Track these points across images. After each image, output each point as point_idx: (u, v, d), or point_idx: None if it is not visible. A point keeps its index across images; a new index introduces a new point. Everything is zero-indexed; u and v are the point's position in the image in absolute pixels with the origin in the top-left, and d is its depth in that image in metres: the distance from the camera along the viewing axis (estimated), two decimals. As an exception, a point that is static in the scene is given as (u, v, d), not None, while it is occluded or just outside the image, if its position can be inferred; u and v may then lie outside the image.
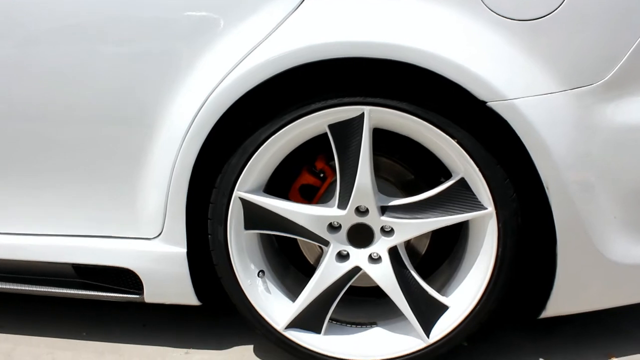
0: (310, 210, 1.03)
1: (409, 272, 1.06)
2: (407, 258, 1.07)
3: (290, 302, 1.12)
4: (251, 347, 1.22)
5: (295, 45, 0.93)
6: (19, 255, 1.19)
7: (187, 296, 1.13)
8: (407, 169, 1.16)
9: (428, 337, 1.05)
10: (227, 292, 1.09)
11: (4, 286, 1.23)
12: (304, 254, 1.21)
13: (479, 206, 0.99)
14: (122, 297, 1.17)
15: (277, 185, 1.12)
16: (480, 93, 0.91)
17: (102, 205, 1.13)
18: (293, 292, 1.15)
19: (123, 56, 1.04)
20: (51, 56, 1.06)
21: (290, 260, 1.26)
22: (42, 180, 1.13)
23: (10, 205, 1.17)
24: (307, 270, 1.22)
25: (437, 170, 1.12)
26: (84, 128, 1.08)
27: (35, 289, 1.21)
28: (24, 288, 1.21)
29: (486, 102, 0.91)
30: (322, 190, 1.11)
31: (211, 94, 0.98)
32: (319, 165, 1.10)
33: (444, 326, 1.05)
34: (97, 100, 1.06)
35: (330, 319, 1.10)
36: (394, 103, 0.95)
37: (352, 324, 1.14)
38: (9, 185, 1.15)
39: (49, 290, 1.21)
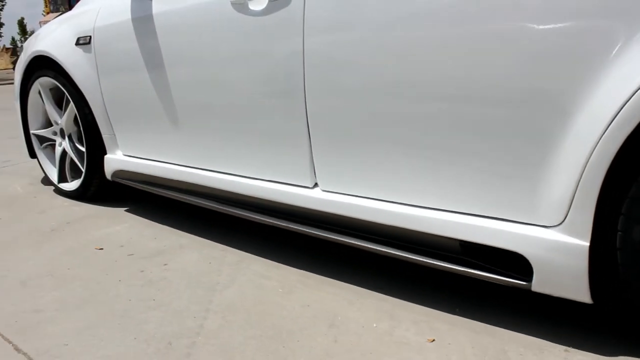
0: None
1: None
2: None
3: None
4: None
5: None
6: (411, 225, 1.60)
7: (579, 292, 1.33)
8: None
9: None
10: (632, 296, 1.28)
11: (390, 251, 1.66)
12: None
13: None
14: (507, 281, 1.45)
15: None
16: None
17: (501, 187, 1.40)
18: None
19: (545, 34, 1.21)
20: (475, 35, 1.31)
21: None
22: (445, 158, 1.49)
23: (409, 179, 1.59)
24: None
25: None
26: (498, 109, 1.30)
27: (420, 258, 1.61)
28: (411, 257, 1.62)
29: None
30: None
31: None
32: None
33: None
34: (513, 80, 1.26)
35: None
36: None
37: None
38: (409, 158, 1.55)
39: (432, 262, 1.59)
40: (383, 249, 1.56)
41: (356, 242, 1.61)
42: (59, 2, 32.04)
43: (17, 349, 1.50)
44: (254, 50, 1.71)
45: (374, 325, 1.51)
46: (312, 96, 1.60)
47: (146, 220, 2.49)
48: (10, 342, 1.53)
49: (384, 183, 1.53)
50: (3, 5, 55.44)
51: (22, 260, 2.12)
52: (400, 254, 1.54)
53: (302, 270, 1.86)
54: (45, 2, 33.36)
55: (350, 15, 1.47)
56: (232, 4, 1.74)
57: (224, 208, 1.99)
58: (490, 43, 1.27)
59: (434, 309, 1.58)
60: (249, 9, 1.71)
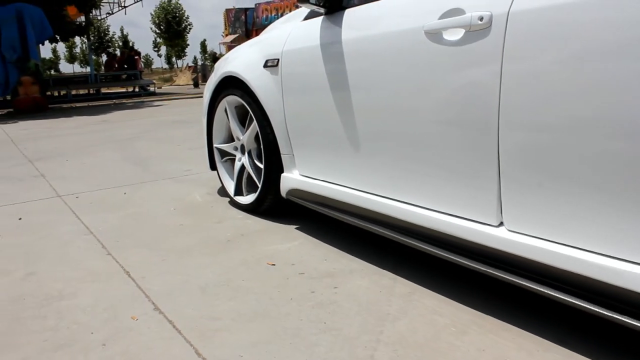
0: None
1: None
2: None
3: None
4: None
5: None
6: (608, 279, 1.45)
7: None
8: None
9: None
10: None
11: (580, 303, 1.51)
12: None
13: None
14: None
15: None
16: None
17: None
18: None
19: None
20: None
21: None
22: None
23: (614, 228, 1.44)
24: None
25: None
26: None
27: (616, 316, 1.45)
28: (604, 312, 1.47)
29: None
30: None
31: None
32: None
33: None
34: None
35: None
36: None
37: None
38: (614, 205, 1.42)
39: (631, 321, 1.43)
40: (571, 299, 1.44)
41: (540, 289, 1.50)
42: (237, 25, 34.63)
43: (198, 353, 1.57)
44: (446, 80, 1.68)
45: (558, 382, 1.38)
46: (507, 130, 1.52)
47: (316, 240, 2.54)
48: (192, 346, 1.61)
49: (581, 230, 1.41)
50: (190, 29, 61.16)
51: (201, 267, 2.25)
52: (592, 307, 1.40)
53: (476, 311, 1.77)
54: (225, 25, 36.16)
55: (556, 45, 1.38)
56: (426, 33, 1.72)
57: (398, 237, 1.97)
58: None
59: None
60: (443, 38, 1.68)
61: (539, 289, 1.52)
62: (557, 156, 1.43)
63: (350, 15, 2.13)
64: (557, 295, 1.47)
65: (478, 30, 1.57)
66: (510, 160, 1.54)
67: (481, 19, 1.55)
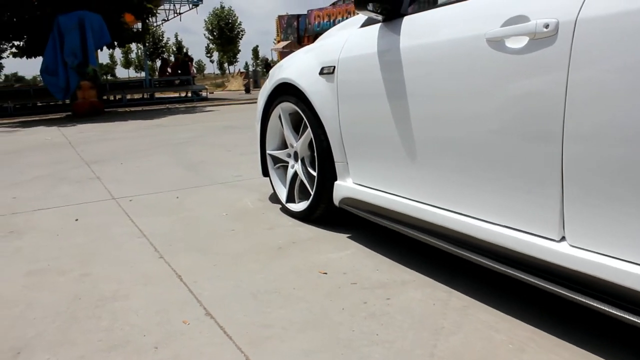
0: None
1: None
2: None
3: None
4: None
5: None
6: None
7: None
8: None
9: None
10: None
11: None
12: None
13: None
14: None
15: None
16: None
17: None
18: None
19: None
20: None
21: None
22: None
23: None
24: None
25: None
26: None
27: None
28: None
29: None
30: None
31: None
32: None
33: None
34: None
35: None
36: None
37: None
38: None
39: None
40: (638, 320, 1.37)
41: (603, 307, 1.45)
42: (289, 31, 35.02)
43: (249, 361, 1.57)
44: (508, 90, 1.65)
45: (623, 407, 1.32)
46: (571, 141, 1.48)
47: (368, 249, 2.52)
48: (242, 352, 1.62)
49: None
50: (242, 35, 62.19)
51: (253, 273, 2.27)
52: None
53: (533, 327, 1.72)
54: (277, 32, 36.65)
55: (627, 53, 1.34)
56: (488, 40, 1.69)
57: (453, 249, 1.93)
58: None
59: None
60: (505, 46, 1.65)
61: (602, 307, 1.46)
62: (624, 169, 1.38)
63: (409, 22, 2.12)
64: (622, 314, 1.41)
65: (543, 38, 1.54)
66: (574, 173, 1.49)
67: (547, 26, 1.51)
